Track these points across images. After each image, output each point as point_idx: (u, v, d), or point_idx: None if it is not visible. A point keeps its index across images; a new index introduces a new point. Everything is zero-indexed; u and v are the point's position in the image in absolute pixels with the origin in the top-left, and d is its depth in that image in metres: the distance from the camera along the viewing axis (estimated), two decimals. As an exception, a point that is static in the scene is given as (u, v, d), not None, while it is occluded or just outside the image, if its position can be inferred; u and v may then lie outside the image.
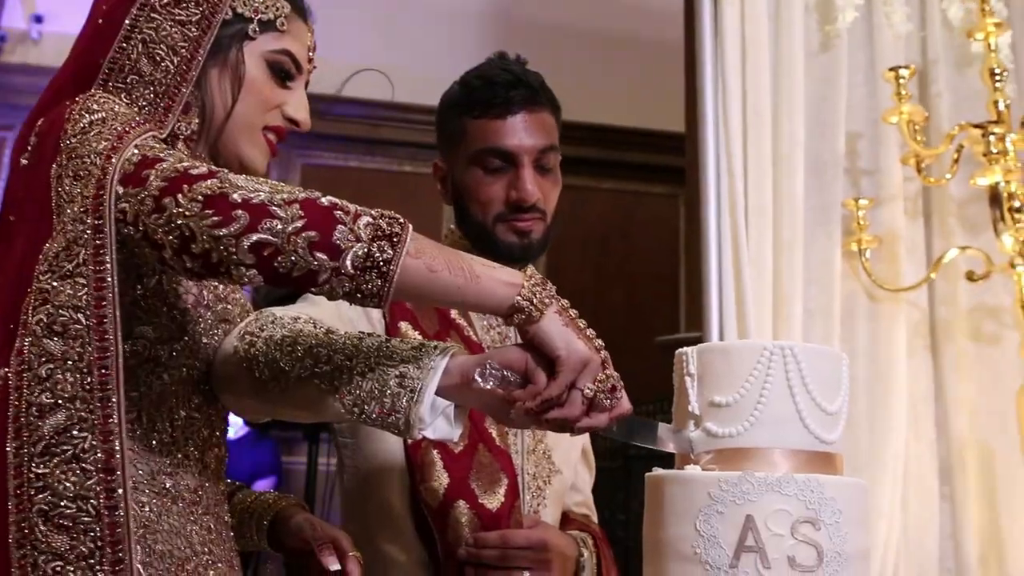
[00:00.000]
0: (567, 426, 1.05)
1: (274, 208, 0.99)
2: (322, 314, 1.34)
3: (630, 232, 5.33)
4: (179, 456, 1.18)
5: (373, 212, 1.01)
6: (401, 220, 1.01)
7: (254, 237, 0.98)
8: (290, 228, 0.98)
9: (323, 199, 1.01)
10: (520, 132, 1.55)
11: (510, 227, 1.55)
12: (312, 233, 0.98)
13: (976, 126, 2.05)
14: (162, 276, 1.16)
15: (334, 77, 4.50)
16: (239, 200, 0.99)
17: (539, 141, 1.56)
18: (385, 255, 0.99)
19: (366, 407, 1.08)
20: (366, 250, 0.99)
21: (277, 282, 1.00)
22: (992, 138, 2.01)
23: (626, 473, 3.54)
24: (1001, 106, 2.06)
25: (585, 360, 1.04)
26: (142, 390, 1.15)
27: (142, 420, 1.15)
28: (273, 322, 1.19)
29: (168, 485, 1.16)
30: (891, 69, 2.13)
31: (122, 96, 1.16)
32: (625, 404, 1.07)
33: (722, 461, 1.13)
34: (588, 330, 1.06)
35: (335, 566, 1.28)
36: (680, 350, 1.20)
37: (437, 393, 1.08)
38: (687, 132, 2.43)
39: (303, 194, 1.01)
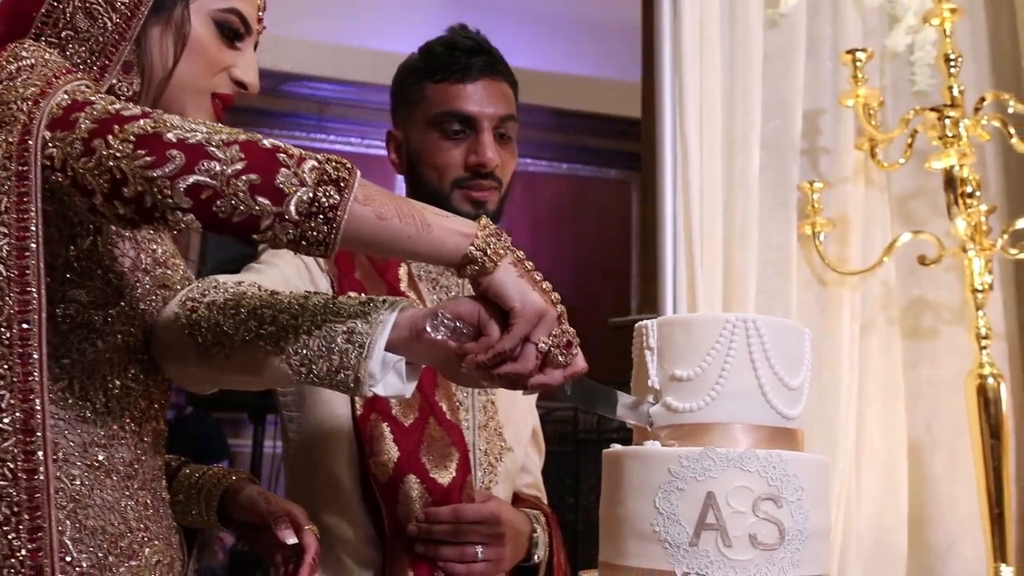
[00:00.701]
0: (520, 382, 1.01)
1: (212, 149, 0.92)
2: (267, 282, 1.28)
3: (582, 216, 5.30)
4: (114, 428, 1.11)
5: (319, 156, 0.96)
6: (348, 165, 0.96)
7: (191, 179, 0.91)
8: (229, 170, 0.91)
9: (265, 141, 0.95)
10: (481, 98, 1.53)
11: (466, 196, 1.51)
12: (253, 176, 0.92)
13: (932, 109, 2.03)
14: (96, 237, 1.09)
15: (284, 54, 4.41)
16: (174, 140, 0.92)
17: (499, 109, 1.54)
18: (331, 200, 0.93)
19: (314, 366, 1.03)
20: (311, 195, 0.93)
21: (216, 228, 0.93)
22: (947, 122, 1.99)
23: (576, 457, 3.52)
24: (955, 91, 2.05)
25: (541, 312, 0.99)
26: (74, 357, 1.08)
27: (74, 388, 1.08)
28: (215, 287, 1.14)
29: (101, 458, 1.10)
30: (848, 52, 2.11)
31: (55, 52, 1.08)
32: (580, 362, 1.03)
33: (681, 436, 1.09)
34: (544, 283, 1.02)
35: (292, 540, 1.22)
36: (640, 323, 1.16)
37: (387, 349, 1.03)
38: (643, 114, 2.39)
39: (244, 136, 0.95)
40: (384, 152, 1.64)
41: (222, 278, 1.20)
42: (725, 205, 2.07)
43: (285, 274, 1.42)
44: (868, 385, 2.12)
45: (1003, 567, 1.92)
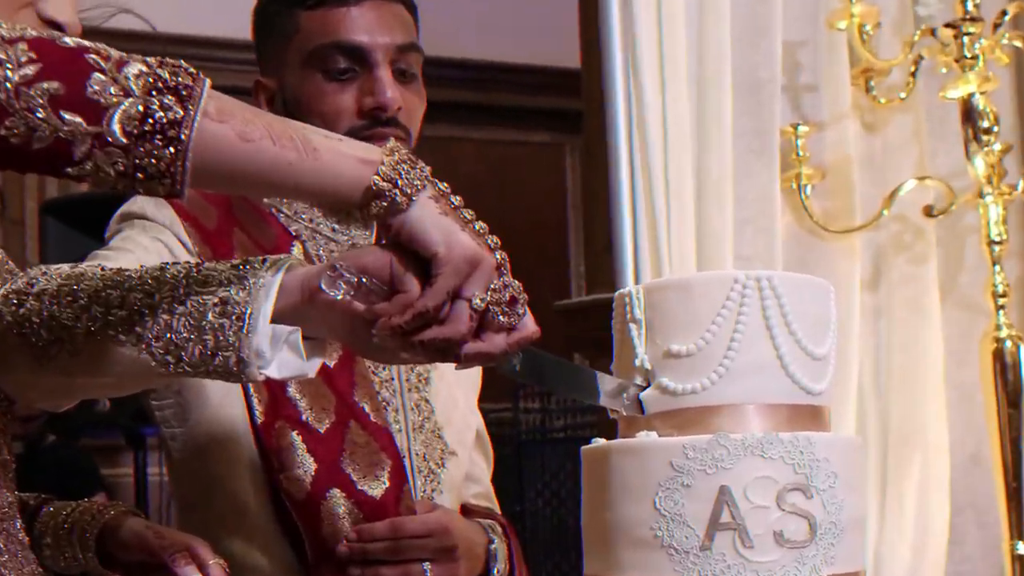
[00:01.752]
0: (450, 351, 0.91)
1: None
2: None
3: (507, 187, 5.24)
4: None
5: (149, 60, 0.83)
6: (192, 70, 0.83)
7: None
8: (16, 76, 0.78)
9: (66, 39, 0.82)
10: (370, 24, 1.42)
11: None
12: (53, 84, 0.79)
13: (948, 26, 1.92)
14: None
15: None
16: None
17: (396, 37, 1.44)
18: (171, 114, 0.80)
19: (183, 352, 0.93)
20: (140, 108, 0.80)
21: (11, 160, 0.80)
22: (966, 39, 1.89)
23: (518, 460, 3.52)
24: (969, 6, 1.94)
25: (472, 259, 0.88)
26: None
27: None
28: (45, 274, 1.04)
29: None
30: (839, -38, 2.06)
31: None
32: (530, 325, 0.93)
33: (681, 424, 1.03)
34: (477, 223, 0.92)
35: None
36: (621, 292, 1.11)
37: (275, 319, 0.93)
38: (583, 60, 2.32)
39: (34, 33, 0.81)
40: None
41: (54, 266, 1.09)
42: (694, 157, 2.02)
43: (142, 260, 1.31)
44: (881, 356, 2.11)
45: (1019, 544, 1.93)
